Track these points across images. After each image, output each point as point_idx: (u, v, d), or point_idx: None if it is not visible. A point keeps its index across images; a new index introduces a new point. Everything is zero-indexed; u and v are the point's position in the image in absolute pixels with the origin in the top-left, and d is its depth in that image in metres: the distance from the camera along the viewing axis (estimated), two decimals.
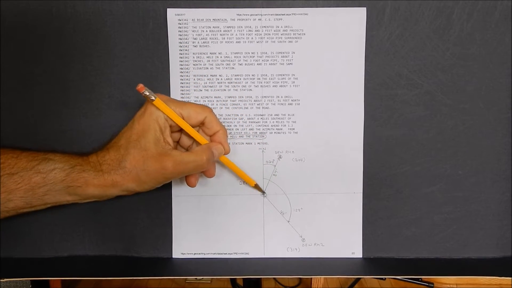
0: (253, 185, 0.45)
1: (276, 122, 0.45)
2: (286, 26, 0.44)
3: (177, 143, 0.43)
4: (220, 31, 0.44)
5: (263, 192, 0.46)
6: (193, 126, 0.42)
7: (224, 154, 0.43)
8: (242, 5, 0.44)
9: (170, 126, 0.41)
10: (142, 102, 0.45)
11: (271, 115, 0.45)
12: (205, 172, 0.43)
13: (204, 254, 0.46)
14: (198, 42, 0.44)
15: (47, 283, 1.05)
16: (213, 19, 0.44)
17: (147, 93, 0.39)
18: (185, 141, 0.43)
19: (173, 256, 0.46)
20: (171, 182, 0.46)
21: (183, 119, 0.41)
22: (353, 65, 0.44)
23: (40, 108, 0.45)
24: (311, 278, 1.22)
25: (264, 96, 0.45)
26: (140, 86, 0.39)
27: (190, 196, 0.46)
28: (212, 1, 0.44)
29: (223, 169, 0.46)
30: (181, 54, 0.45)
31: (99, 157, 0.39)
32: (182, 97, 0.45)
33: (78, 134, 0.45)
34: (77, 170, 0.38)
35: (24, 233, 0.46)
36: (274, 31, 0.44)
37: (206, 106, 0.43)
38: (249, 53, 0.44)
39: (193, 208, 0.46)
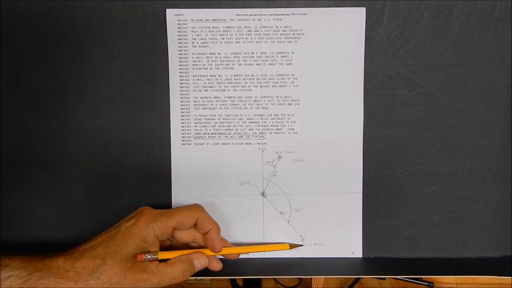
0: (289, 248, 0.45)
1: (276, 122, 0.45)
2: (286, 26, 0.44)
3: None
4: (220, 31, 0.44)
5: (301, 245, 0.46)
6: (186, 229, 0.41)
7: (215, 253, 0.42)
8: (241, 5, 0.44)
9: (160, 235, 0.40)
10: (141, 103, 0.45)
11: (271, 115, 0.45)
12: (208, 266, 0.42)
13: None
14: (198, 43, 0.44)
15: None
16: (212, 19, 0.44)
17: (149, 256, 0.38)
18: (180, 237, 0.43)
19: None
20: (170, 181, 0.46)
21: (175, 229, 0.40)
22: (352, 65, 0.44)
23: (39, 108, 0.45)
24: (311, 278, 1.22)
25: (264, 96, 0.45)
26: (139, 255, 0.38)
27: (190, 196, 0.46)
28: (211, 1, 0.44)
29: (223, 169, 0.46)
30: (180, 54, 0.45)
31: (67, 263, 0.36)
32: (181, 98, 0.45)
33: (77, 135, 0.45)
34: (36, 277, 0.35)
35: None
36: (274, 31, 0.44)
37: (196, 206, 0.42)
38: (248, 53, 0.44)
39: None
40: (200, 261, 0.41)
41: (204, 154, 0.46)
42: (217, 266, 0.42)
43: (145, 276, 0.38)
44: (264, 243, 0.46)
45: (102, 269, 0.36)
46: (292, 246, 0.45)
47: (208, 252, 0.42)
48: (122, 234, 0.38)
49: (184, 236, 0.42)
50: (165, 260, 0.40)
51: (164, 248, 0.42)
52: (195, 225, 0.41)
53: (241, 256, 0.46)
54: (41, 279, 0.35)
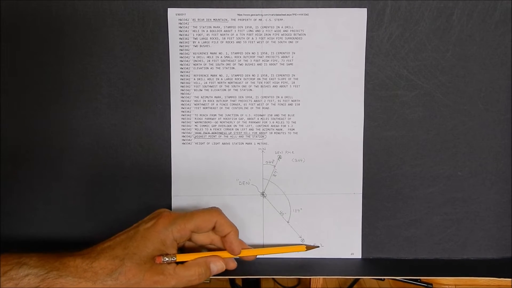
0: (305, 249, 0.45)
1: (276, 122, 0.45)
2: (287, 26, 0.44)
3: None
4: (221, 31, 0.44)
5: (317, 247, 0.46)
6: (204, 232, 0.41)
7: (235, 255, 0.42)
8: (242, 5, 0.44)
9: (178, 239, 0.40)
10: (142, 103, 0.45)
11: (271, 115, 0.45)
12: (226, 266, 0.42)
13: None
14: (199, 42, 0.44)
15: None
16: (214, 19, 0.44)
17: (167, 259, 0.38)
18: (198, 239, 0.42)
19: None
20: (170, 181, 0.46)
21: (193, 232, 0.40)
22: (353, 65, 0.44)
23: (40, 108, 0.45)
24: (310, 278, 1.22)
25: (264, 96, 0.45)
26: (158, 258, 0.38)
27: (190, 196, 0.46)
28: (213, 1, 0.44)
29: (223, 169, 0.46)
30: (181, 54, 0.45)
31: (85, 263, 0.36)
32: (182, 97, 0.45)
33: (77, 134, 0.45)
34: (53, 276, 0.35)
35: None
36: (275, 31, 0.44)
37: (214, 209, 0.42)
38: (249, 53, 0.44)
39: (193, 208, 0.45)
40: (217, 265, 0.41)
41: (204, 153, 0.46)
42: (232, 265, 0.42)
43: (162, 278, 0.37)
44: (263, 244, 0.46)
45: (121, 270, 0.36)
46: (309, 247, 0.45)
47: (225, 254, 0.42)
48: (140, 235, 0.38)
49: (201, 238, 0.42)
50: (182, 262, 0.40)
51: (180, 248, 0.42)
52: (213, 228, 0.41)
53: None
54: (58, 278, 0.35)
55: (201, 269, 0.40)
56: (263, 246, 0.46)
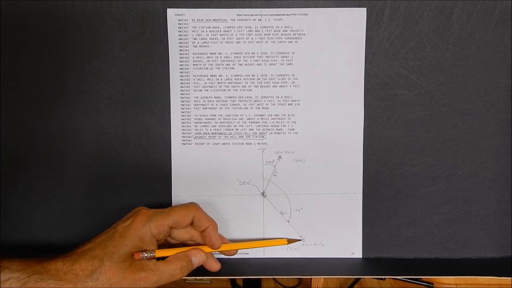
0: (287, 243, 0.45)
1: (276, 122, 0.45)
2: (286, 26, 0.44)
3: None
4: (220, 31, 0.44)
5: (299, 240, 0.46)
6: (182, 227, 0.42)
7: (215, 249, 0.42)
8: (242, 5, 0.44)
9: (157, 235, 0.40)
10: (141, 103, 0.45)
11: (271, 115, 0.45)
12: (206, 266, 0.42)
13: None
14: (198, 42, 0.44)
15: None
16: (213, 19, 0.44)
17: (146, 254, 0.39)
18: (177, 235, 0.43)
19: None
20: (170, 181, 0.46)
21: (172, 227, 0.41)
22: (352, 65, 0.44)
23: (40, 108, 0.45)
24: (311, 278, 1.22)
25: (264, 96, 0.45)
26: (136, 254, 0.38)
27: (190, 196, 0.46)
28: (212, 1, 0.44)
29: (223, 169, 0.46)
30: (181, 54, 0.45)
31: (65, 265, 0.36)
32: (182, 97, 0.45)
33: (77, 134, 0.45)
34: (35, 279, 0.35)
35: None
36: (274, 31, 0.44)
37: (192, 204, 0.42)
38: (249, 53, 0.44)
39: None
40: (198, 258, 0.41)
41: (205, 154, 0.46)
42: (215, 266, 0.42)
43: (143, 274, 0.38)
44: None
45: (101, 270, 0.36)
46: (290, 241, 0.45)
47: (206, 249, 0.42)
48: (119, 234, 0.39)
49: (181, 234, 0.42)
50: (163, 258, 0.40)
51: (161, 247, 0.42)
52: (192, 224, 0.42)
53: (241, 256, 0.46)
54: (40, 282, 0.35)
55: (182, 263, 0.40)
56: (264, 247, 0.46)
